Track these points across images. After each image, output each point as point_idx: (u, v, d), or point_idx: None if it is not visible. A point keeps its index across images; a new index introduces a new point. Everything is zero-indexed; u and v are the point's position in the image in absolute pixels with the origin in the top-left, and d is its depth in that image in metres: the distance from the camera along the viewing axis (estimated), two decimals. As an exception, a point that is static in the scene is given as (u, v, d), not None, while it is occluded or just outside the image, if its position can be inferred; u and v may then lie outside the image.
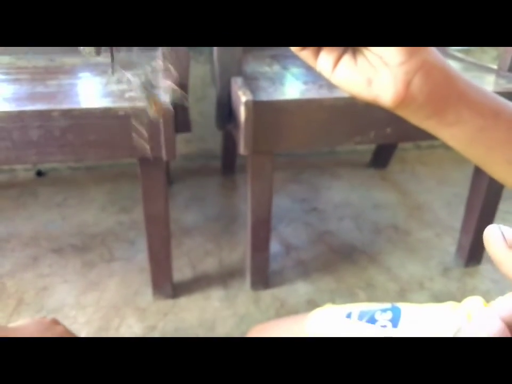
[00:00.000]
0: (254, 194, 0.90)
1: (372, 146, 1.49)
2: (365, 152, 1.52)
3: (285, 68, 1.00)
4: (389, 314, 0.52)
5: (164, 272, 0.94)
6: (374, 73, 0.35)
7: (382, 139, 0.87)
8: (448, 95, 0.35)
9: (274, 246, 1.12)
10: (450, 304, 0.50)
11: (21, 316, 0.92)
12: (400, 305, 0.53)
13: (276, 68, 0.99)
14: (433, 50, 0.35)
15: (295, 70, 0.99)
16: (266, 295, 0.99)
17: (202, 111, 1.39)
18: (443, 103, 0.35)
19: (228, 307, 0.96)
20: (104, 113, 0.73)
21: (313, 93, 0.84)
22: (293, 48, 0.37)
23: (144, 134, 0.76)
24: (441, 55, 0.36)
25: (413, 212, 1.31)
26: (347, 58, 0.36)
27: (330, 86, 0.88)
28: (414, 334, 0.49)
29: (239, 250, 1.11)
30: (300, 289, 1.01)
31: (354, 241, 1.17)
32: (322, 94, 0.83)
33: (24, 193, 1.27)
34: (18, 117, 0.72)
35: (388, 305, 0.53)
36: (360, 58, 0.36)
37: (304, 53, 0.36)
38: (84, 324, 0.90)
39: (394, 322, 0.50)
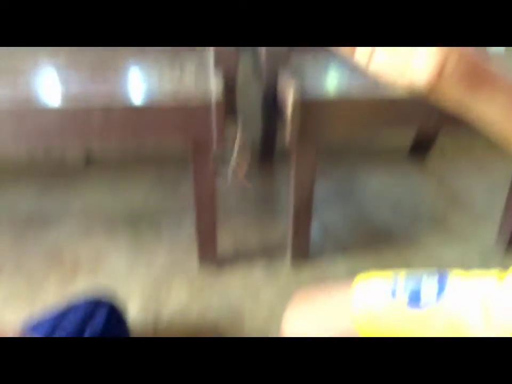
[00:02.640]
0: (297, 180, 0.93)
1: (411, 136, 1.49)
2: (404, 141, 1.52)
3: (329, 61, 1.02)
4: (436, 278, 0.52)
5: (210, 243, 0.99)
6: (408, 60, 0.38)
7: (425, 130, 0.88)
8: (481, 73, 0.37)
9: (314, 226, 1.15)
10: (496, 271, 0.51)
11: (78, 283, 0.99)
12: (447, 271, 0.53)
13: (321, 61, 1.02)
14: None
15: (338, 64, 1.01)
16: (307, 269, 1.03)
17: (242, 102, 1.43)
18: (476, 82, 0.37)
19: (270, 278, 0.99)
20: (164, 99, 0.78)
21: (359, 87, 0.86)
22: None
23: (198, 120, 0.81)
24: None
25: (451, 200, 1.31)
26: (382, 49, 0.39)
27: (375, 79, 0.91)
28: (460, 297, 0.49)
29: (279, 230, 1.15)
30: (339, 265, 1.04)
31: (393, 226, 1.18)
32: (367, 86, 0.85)
33: (75, 175, 1.35)
34: (84, 101, 0.78)
35: (434, 270, 0.54)
36: (394, 47, 0.39)
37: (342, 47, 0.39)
38: (136, 288, 0.96)
39: (441, 287, 0.50)
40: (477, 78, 0.37)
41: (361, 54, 0.39)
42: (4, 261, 1.03)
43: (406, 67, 0.38)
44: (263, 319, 0.91)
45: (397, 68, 0.38)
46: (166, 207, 1.22)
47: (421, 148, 1.50)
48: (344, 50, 0.40)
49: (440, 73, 0.37)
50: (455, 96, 0.38)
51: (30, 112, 0.77)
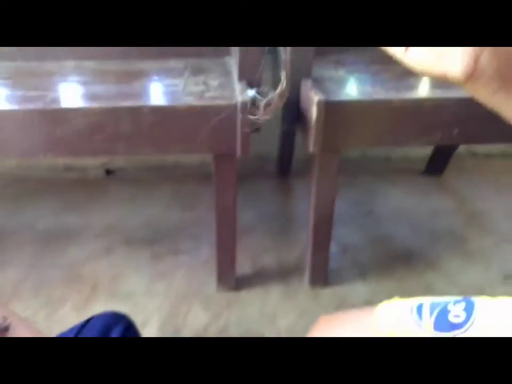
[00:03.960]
0: (318, 192, 0.94)
1: (427, 154, 1.49)
2: (420, 160, 1.52)
3: (349, 72, 1.03)
4: (462, 305, 0.52)
5: (229, 264, 0.99)
6: (443, 50, 0.38)
7: (449, 140, 0.88)
8: None
9: (332, 246, 1.14)
10: None
11: (96, 301, 0.99)
12: (472, 297, 0.53)
13: (341, 72, 1.03)
14: None
15: (359, 74, 1.02)
16: (326, 292, 1.02)
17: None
18: (510, 76, 0.38)
19: (288, 301, 0.99)
20: (188, 110, 0.79)
21: (381, 95, 0.87)
22: None
23: (222, 131, 0.82)
24: None
25: (471, 219, 1.29)
26: None
27: (397, 88, 0.91)
28: (490, 324, 0.49)
29: (297, 249, 1.14)
30: (359, 289, 1.03)
31: (412, 246, 1.17)
32: (390, 95, 0.86)
33: (95, 190, 1.36)
34: (112, 113, 0.79)
35: (459, 297, 0.53)
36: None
37: None
38: (154, 310, 0.96)
39: (468, 313, 0.50)
40: (511, 74, 0.37)
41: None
42: (24, 280, 1.04)
43: (441, 58, 0.38)
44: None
45: (433, 58, 0.39)
46: (184, 225, 1.23)
47: (437, 165, 1.49)
48: None
49: (475, 65, 0.37)
50: (490, 90, 0.38)
51: (58, 115, 0.78)
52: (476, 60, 0.37)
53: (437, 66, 0.40)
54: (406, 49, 0.41)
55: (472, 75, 0.38)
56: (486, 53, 0.37)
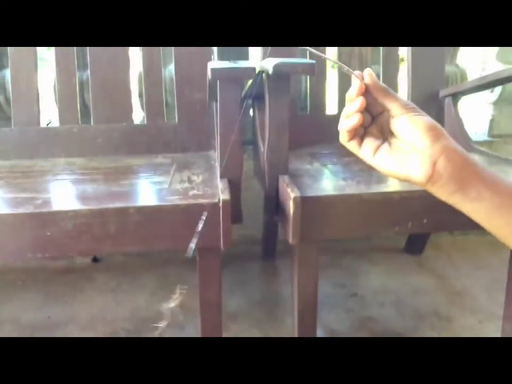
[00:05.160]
0: (300, 281, 0.96)
1: (405, 233, 1.54)
2: (399, 238, 1.57)
3: (323, 164, 1.11)
4: None
5: (215, 356, 0.98)
6: (406, 157, 0.46)
7: (419, 229, 0.94)
8: (467, 174, 0.45)
9: (318, 332, 1.14)
10: None
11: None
12: None
13: (316, 165, 1.11)
14: (452, 140, 0.45)
15: (332, 167, 1.10)
16: (313, 382, 1.01)
17: (244, 200, 1.50)
18: (464, 181, 0.45)
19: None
20: (173, 209, 0.84)
21: (353, 189, 0.93)
22: (342, 140, 0.48)
23: (204, 227, 0.86)
24: (460, 146, 0.46)
25: (452, 297, 1.32)
26: (384, 147, 0.48)
27: (367, 181, 0.98)
28: None
29: (284, 334, 1.14)
30: (346, 376, 1.02)
31: (397, 328, 1.18)
32: (361, 189, 0.93)
33: (81, 279, 1.36)
34: (99, 214, 0.83)
35: None
36: (394, 146, 0.47)
37: (350, 144, 0.48)
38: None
39: None
40: (465, 177, 0.44)
41: (367, 150, 0.47)
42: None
43: (405, 163, 0.46)
44: None
45: (397, 164, 0.46)
46: (168, 314, 1.22)
47: (416, 244, 1.54)
48: (351, 146, 0.48)
49: (433, 170, 0.44)
50: (448, 191, 0.45)
51: (47, 218, 0.81)
52: (433, 165, 0.44)
53: (400, 170, 0.46)
54: (373, 156, 0.48)
55: (430, 178, 0.44)
56: (441, 159, 0.44)
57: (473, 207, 0.45)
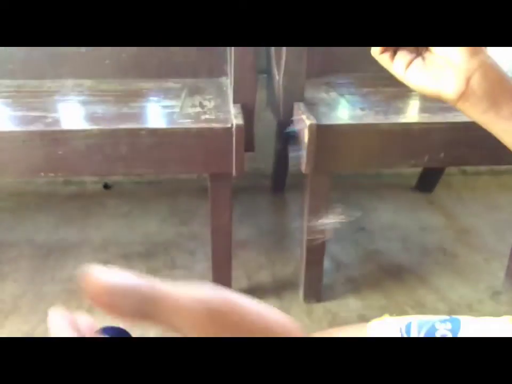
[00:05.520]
0: (311, 211, 0.96)
1: (417, 171, 1.52)
2: (410, 176, 1.55)
3: (340, 94, 1.07)
4: (448, 325, 0.55)
5: (224, 280, 1.01)
6: (439, 72, 0.43)
7: (436, 163, 0.92)
8: (502, 91, 0.42)
9: (325, 262, 1.16)
10: (506, 317, 0.54)
11: (95, 315, 1.01)
12: (458, 316, 0.56)
13: (333, 94, 1.06)
14: (490, 56, 0.42)
15: (350, 96, 1.06)
16: (319, 308, 1.04)
17: (256, 132, 1.47)
18: (498, 99, 0.42)
19: (281, 317, 1.01)
20: (185, 133, 0.82)
21: (371, 118, 0.90)
22: (373, 52, 0.45)
23: (218, 152, 0.85)
24: (497, 64, 0.43)
25: (460, 235, 1.32)
26: (417, 61, 0.45)
27: (386, 112, 0.95)
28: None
29: (291, 265, 1.17)
30: (351, 304, 1.05)
31: (403, 262, 1.20)
32: (379, 119, 0.90)
33: (92, 204, 1.38)
34: (111, 134, 0.82)
35: (446, 316, 0.56)
36: (428, 60, 0.44)
37: (382, 56, 0.45)
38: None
39: (454, 332, 0.53)
40: (499, 95, 0.42)
41: (399, 64, 0.45)
42: (23, 295, 1.06)
43: (436, 78, 0.43)
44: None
45: (429, 79, 0.43)
46: (180, 240, 1.25)
47: (427, 182, 1.52)
48: (383, 59, 0.45)
49: (466, 86, 0.41)
50: (480, 109, 0.42)
51: (58, 136, 0.80)
52: (467, 81, 0.41)
53: (432, 85, 0.44)
54: (405, 71, 0.45)
55: (463, 95, 0.42)
56: (477, 75, 0.41)
57: (505, 127, 0.43)
